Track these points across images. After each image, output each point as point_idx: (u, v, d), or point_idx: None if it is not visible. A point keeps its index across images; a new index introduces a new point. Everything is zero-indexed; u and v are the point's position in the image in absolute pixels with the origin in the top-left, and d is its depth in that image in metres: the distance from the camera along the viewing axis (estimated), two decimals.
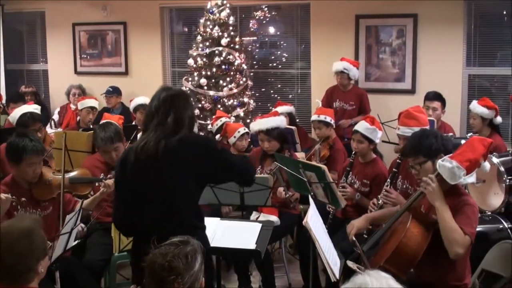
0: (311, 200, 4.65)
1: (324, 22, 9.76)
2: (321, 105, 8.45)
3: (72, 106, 10.17)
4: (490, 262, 4.54)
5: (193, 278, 3.08)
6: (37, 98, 10.54)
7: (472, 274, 4.50)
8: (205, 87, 9.21)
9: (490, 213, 6.03)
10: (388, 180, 5.69)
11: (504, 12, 9.06)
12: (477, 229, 4.37)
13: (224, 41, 9.22)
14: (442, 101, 7.80)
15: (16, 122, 6.98)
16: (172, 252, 3.07)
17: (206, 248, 3.68)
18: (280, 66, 10.50)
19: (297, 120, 9.25)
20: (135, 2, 10.76)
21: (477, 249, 4.54)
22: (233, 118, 8.87)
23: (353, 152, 6.20)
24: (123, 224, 4.17)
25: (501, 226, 5.73)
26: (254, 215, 6.30)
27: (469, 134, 6.77)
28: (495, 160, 6.03)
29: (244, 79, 9.48)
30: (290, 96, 10.42)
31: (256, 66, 10.52)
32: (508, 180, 5.93)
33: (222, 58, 9.23)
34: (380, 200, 5.55)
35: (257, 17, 10.48)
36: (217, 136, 7.64)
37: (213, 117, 8.36)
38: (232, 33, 9.41)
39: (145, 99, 8.81)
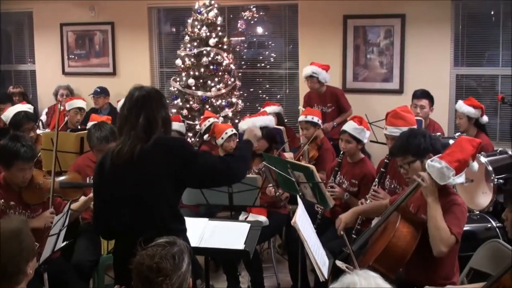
0: (299, 200, 4.64)
1: (312, 22, 9.77)
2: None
3: (60, 107, 10.12)
4: (479, 261, 4.55)
5: (181, 278, 3.09)
6: (25, 99, 10.48)
7: (460, 273, 4.52)
8: (193, 88, 9.20)
9: (478, 212, 6.06)
10: (376, 179, 5.71)
11: (492, 12, 9.10)
12: (466, 228, 4.40)
13: (212, 41, 9.21)
14: (430, 99, 7.82)
15: (9, 121, 6.97)
16: (159, 254, 3.06)
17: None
18: (268, 66, 10.51)
19: (285, 120, 9.26)
20: (122, 2, 10.74)
21: (466, 248, 4.56)
22: (221, 119, 8.86)
23: (341, 152, 6.21)
24: (103, 228, 4.16)
25: (489, 225, 5.75)
26: (242, 215, 6.30)
27: (457, 134, 6.80)
28: (483, 159, 6.06)
29: (232, 79, 9.48)
30: (279, 96, 10.42)
31: (244, 66, 10.52)
32: (496, 180, 5.95)
33: (210, 59, 9.22)
34: (368, 200, 5.58)
35: (245, 17, 10.48)
36: (205, 137, 7.63)
37: (201, 117, 8.34)
38: (220, 33, 9.40)
39: None
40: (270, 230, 6.29)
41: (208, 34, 9.25)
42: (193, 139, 8.98)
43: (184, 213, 4.15)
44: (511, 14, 8.89)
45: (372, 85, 9.59)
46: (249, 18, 10.47)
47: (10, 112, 7.08)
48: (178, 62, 9.41)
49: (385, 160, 5.75)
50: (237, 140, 7.40)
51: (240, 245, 4.63)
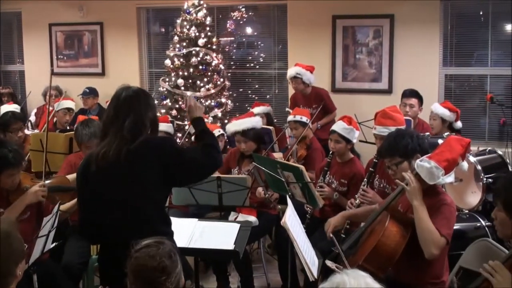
0: (289, 200, 4.65)
1: (301, 23, 9.78)
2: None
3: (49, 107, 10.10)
4: (468, 260, 4.55)
5: (178, 276, 3.13)
6: (14, 99, 10.46)
7: (450, 272, 4.53)
8: (182, 88, 9.19)
9: (467, 211, 6.08)
10: (365, 179, 5.72)
11: (481, 13, 9.13)
12: (455, 227, 4.41)
13: (201, 42, 9.20)
14: (419, 98, 7.84)
15: None
16: (158, 254, 3.07)
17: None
18: (257, 67, 10.51)
19: (275, 121, 9.26)
20: (111, 2, 10.72)
21: (455, 247, 4.57)
22: (210, 119, 8.85)
23: (331, 152, 6.22)
24: (88, 231, 4.13)
25: (478, 224, 5.78)
26: (232, 216, 6.29)
27: (445, 134, 6.81)
28: (472, 159, 6.08)
29: (221, 79, 9.47)
30: (268, 96, 10.43)
31: (233, 67, 10.52)
32: (485, 179, 5.97)
33: (199, 59, 9.21)
34: (358, 200, 5.58)
35: (234, 18, 10.49)
36: (194, 137, 7.61)
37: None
38: (209, 33, 9.40)
39: None
40: (259, 230, 6.29)
41: (197, 34, 9.24)
42: (181, 140, 8.97)
43: (173, 213, 4.16)
44: (500, 14, 8.94)
45: (361, 85, 9.60)
46: (238, 18, 10.49)
47: None
48: (167, 62, 9.40)
49: (374, 160, 5.76)
50: (226, 140, 7.41)
51: (230, 246, 4.63)
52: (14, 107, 7.22)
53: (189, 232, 4.71)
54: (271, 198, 6.35)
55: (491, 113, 9.14)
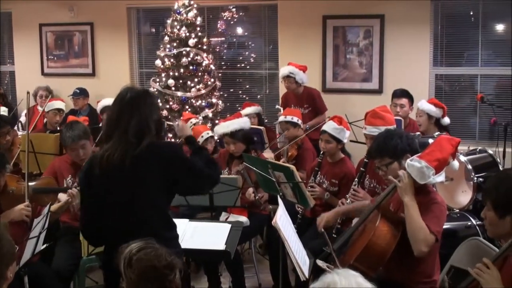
0: (279, 200, 4.64)
1: (291, 23, 9.78)
2: (282, 110, 8.43)
3: (39, 108, 10.09)
4: (459, 259, 4.57)
5: (178, 274, 3.11)
6: (4, 100, 10.43)
7: (441, 271, 4.54)
8: (173, 88, 9.18)
9: (458, 210, 6.09)
10: (356, 179, 5.73)
11: (471, 13, 9.15)
12: (446, 226, 4.43)
13: (191, 42, 9.19)
14: (410, 97, 7.86)
15: None
16: (162, 253, 3.08)
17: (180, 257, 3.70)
18: (248, 67, 10.51)
19: (266, 121, 9.26)
20: (102, 2, 10.70)
21: (446, 246, 4.58)
22: (201, 119, 8.85)
23: (322, 152, 6.23)
24: (91, 234, 4.13)
25: (469, 223, 5.79)
26: (223, 216, 6.29)
27: (436, 133, 6.83)
28: (463, 158, 6.09)
29: (212, 79, 9.46)
30: (259, 96, 10.43)
31: (224, 67, 10.51)
32: (476, 178, 5.99)
33: (189, 59, 9.19)
34: (349, 200, 5.59)
35: (224, 18, 10.48)
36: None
37: (181, 118, 8.30)
38: (199, 33, 9.38)
39: (112, 101, 8.76)
40: (251, 230, 6.29)
41: (187, 34, 9.23)
42: (172, 140, 8.96)
43: None
44: (490, 15, 8.97)
45: (351, 85, 9.61)
46: (229, 18, 10.48)
47: None
48: (158, 62, 9.38)
49: (365, 160, 5.76)
50: (217, 140, 7.40)
51: (221, 246, 4.64)
52: (2, 110, 7.17)
53: (180, 233, 4.67)
54: (261, 200, 6.35)
55: (481, 113, 9.17)
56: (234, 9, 10.43)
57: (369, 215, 4.53)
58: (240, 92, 10.53)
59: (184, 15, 9.28)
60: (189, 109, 9.01)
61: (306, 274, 4.30)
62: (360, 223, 4.60)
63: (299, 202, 5.81)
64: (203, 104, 9.23)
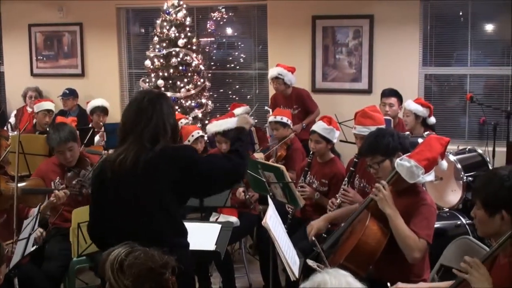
0: (270, 200, 4.65)
1: (281, 23, 9.79)
2: (271, 112, 8.43)
3: (29, 109, 10.07)
4: (449, 258, 4.58)
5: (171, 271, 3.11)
6: None
7: (431, 270, 4.55)
8: (163, 89, 9.15)
9: (448, 209, 6.10)
10: (346, 179, 5.73)
11: (460, 13, 9.18)
12: (436, 225, 4.43)
13: (181, 42, 9.18)
14: (399, 97, 7.87)
15: None
16: (155, 254, 3.05)
17: (189, 268, 3.72)
18: (238, 67, 10.51)
19: (255, 121, 9.26)
20: (91, 2, 10.67)
21: (436, 245, 4.58)
22: (191, 119, 8.83)
23: (311, 152, 6.23)
24: (98, 237, 4.08)
25: (459, 222, 5.81)
26: (213, 216, 6.29)
27: (426, 133, 6.84)
28: (452, 158, 6.11)
29: (201, 80, 9.46)
30: (248, 96, 10.44)
31: (214, 67, 10.51)
32: (465, 177, 6.00)
33: (179, 59, 9.19)
34: (339, 199, 5.58)
35: (214, 18, 10.48)
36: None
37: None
38: (189, 34, 9.38)
39: (102, 101, 8.79)
40: (241, 231, 6.29)
41: (177, 34, 9.23)
42: None
43: None
44: (479, 15, 9.00)
45: (341, 85, 9.63)
46: (218, 18, 10.47)
47: None
48: (147, 63, 9.37)
49: (354, 159, 5.77)
50: (206, 141, 7.39)
51: (211, 246, 4.63)
52: None
53: None
54: (251, 199, 6.35)
55: (471, 113, 9.20)
56: (223, 10, 10.43)
57: (359, 215, 4.53)
58: (230, 92, 10.53)
59: (174, 15, 9.28)
60: (179, 110, 8.98)
61: (296, 274, 4.30)
62: (349, 222, 4.60)
63: (289, 202, 5.82)
64: (193, 104, 9.22)
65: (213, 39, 10.65)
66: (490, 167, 6.43)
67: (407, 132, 7.01)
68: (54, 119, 8.47)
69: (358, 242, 4.26)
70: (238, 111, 8.16)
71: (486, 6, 8.96)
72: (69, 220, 5.19)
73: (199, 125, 8.64)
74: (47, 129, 8.12)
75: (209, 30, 10.55)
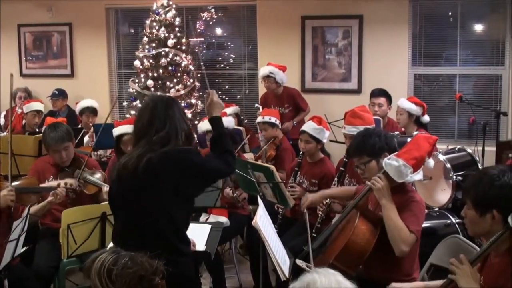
0: (259, 200, 4.64)
1: (270, 23, 9.79)
2: (261, 109, 8.44)
3: (18, 110, 10.03)
4: (439, 257, 4.59)
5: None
6: None
7: (421, 269, 4.56)
8: (152, 89, 9.15)
9: (437, 209, 6.11)
10: (336, 179, 5.74)
11: (450, 13, 9.21)
12: (425, 224, 4.44)
13: (170, 42, 9.18)
14: (388, 97, 7.86)
15: None
16: (142, 259, 3.00)
17: (191, 276, 3.75)
18: (227, 67, 10.50)
19: (245, 121, 9.26)
20: (80, 2, 10.64)
21: (425, 244, 4.59)
22: None
23: (301, 152, 6.23)
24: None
25: (448, 222, 5.80)
26: (203, 217, 6.29)
27: (415, 133, 6.85)
28: (442, 157, 6.11)
29: (191, 80, 9.45)
30: (238, 97, 10.44)
31: (203, 67, 10.49)
32: (455, 177, 6.01)
33: (168, 59, 9.19)
34: (328, 199, 5.59)
35: (203, 18, 10.47)
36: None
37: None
38: (178, 34, 9.38)
39: (91, 102, 8.76)
40: (231, 231, 6.28)
41: (166, 35, 9.22)
42: None
43: None
44: (469, 15, 9.03)
45: (330, 85, 9.64)
46: (208, 19, 10.46)
47: None
48: (137, 63, 9.36)
49: (344, 159, 5.78)
50: (196, 141, 7.38)
51: (201, 247, 4.63)
52: None
53: None
54: (239, 198, 6.36)
55: (460, 112, 9.23)
56: (213, 10, 10.43)
57: (348, 214, 4.53)
58: (219, 92, 10.50)
59: (163, 16, 9.27)
60: None
61: (287, 274, 4.30)
62: (339, 221, 4.61)
63: (279, 202, 5.82)
64: (182, 104, 9.20)
65: (202, 39, 10.63)
66: (480, 167, 6.44)
67: (397, 132, 7.01)
68: (44, 119, 8.44)
69: (347, 242, 4.26)
70: (228, 110, 8.17)
71: (475, 6, 9.00)
72: (60, 220, 5.17)
73: None
74: (37, 129, 8.12)
75: (199, 30, 10.54)
